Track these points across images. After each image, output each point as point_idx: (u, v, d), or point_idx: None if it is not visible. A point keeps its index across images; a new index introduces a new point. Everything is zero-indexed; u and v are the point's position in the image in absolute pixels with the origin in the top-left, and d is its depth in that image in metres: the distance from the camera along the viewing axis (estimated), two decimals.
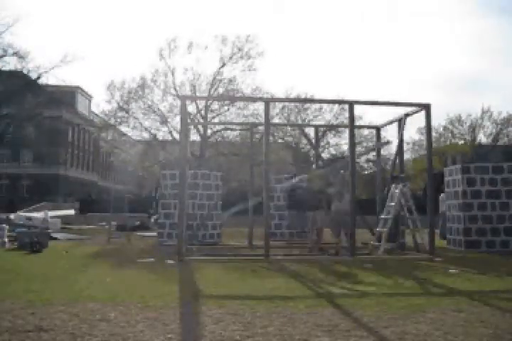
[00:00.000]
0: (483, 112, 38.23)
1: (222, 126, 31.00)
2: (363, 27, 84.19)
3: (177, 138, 27.68)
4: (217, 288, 5.65)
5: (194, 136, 29.40)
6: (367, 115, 62.85)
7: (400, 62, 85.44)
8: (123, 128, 31.49)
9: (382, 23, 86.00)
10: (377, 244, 9.64)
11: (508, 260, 8.80)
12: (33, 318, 4.07)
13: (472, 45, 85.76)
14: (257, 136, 23.08)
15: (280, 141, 33.22)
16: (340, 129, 32.67)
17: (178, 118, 28.04)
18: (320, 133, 27.02)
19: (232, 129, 31.66)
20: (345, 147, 30.76)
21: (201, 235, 11.98)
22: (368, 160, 36.57)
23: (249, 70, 30.09)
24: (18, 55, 32.48)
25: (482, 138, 39.36)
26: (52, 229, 14.36)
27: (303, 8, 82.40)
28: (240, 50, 29.66)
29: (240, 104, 30.14)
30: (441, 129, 39.04)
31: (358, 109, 39.86)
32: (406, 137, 27.24)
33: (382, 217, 9.89)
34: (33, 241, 9.67)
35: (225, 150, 30.39)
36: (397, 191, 9.82)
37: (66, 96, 45.87)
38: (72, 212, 22.48)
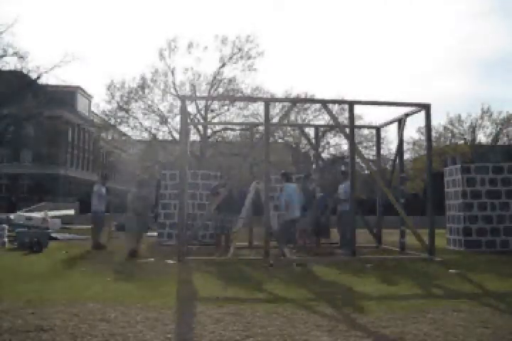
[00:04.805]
0: (483, 112, 38.25)
1: (222, 126, 30.98)
2: (364, 22, 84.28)
3: (177, 138, 27.65)
4: (217, 288, 5.64)
5: (194, 136, 29.42)
6: (367, 115, 62.75)
7: (399, 59, 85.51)
8: (123, 128, 31.46)
9: (385, 11, 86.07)
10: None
11: (508, 260, 8.80)
12: (33, 318, 4.07)
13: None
14: (257, 135, 23.06)
15: (280, 141, 33.23)
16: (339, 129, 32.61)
17: (178, 118, 28.04)
18: (320, 133, 26.99)
19: (232, 129, 31.66)
20: (345, 147, 30.75)
21: (201, 235, 11.97)
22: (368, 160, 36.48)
23: (249, 70, 30.09)
24: (18, 55, 32.35)
25: (482, 138, 39.36)
26: (52, 229, 14.36)
27: (302, 8, 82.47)
28: (240, 50, 29.64)
29: (240, 104, 30.13)
30: (441, 129, 39.05)
31: (358, 109, 39.93)
32: (406, 137, 27.33)
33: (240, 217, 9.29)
34: (33, 241, 9.68)
35: (225, 150, 30.37)
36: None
37: (66, 96, 45.79)
38: (72, 212, 22.42)
